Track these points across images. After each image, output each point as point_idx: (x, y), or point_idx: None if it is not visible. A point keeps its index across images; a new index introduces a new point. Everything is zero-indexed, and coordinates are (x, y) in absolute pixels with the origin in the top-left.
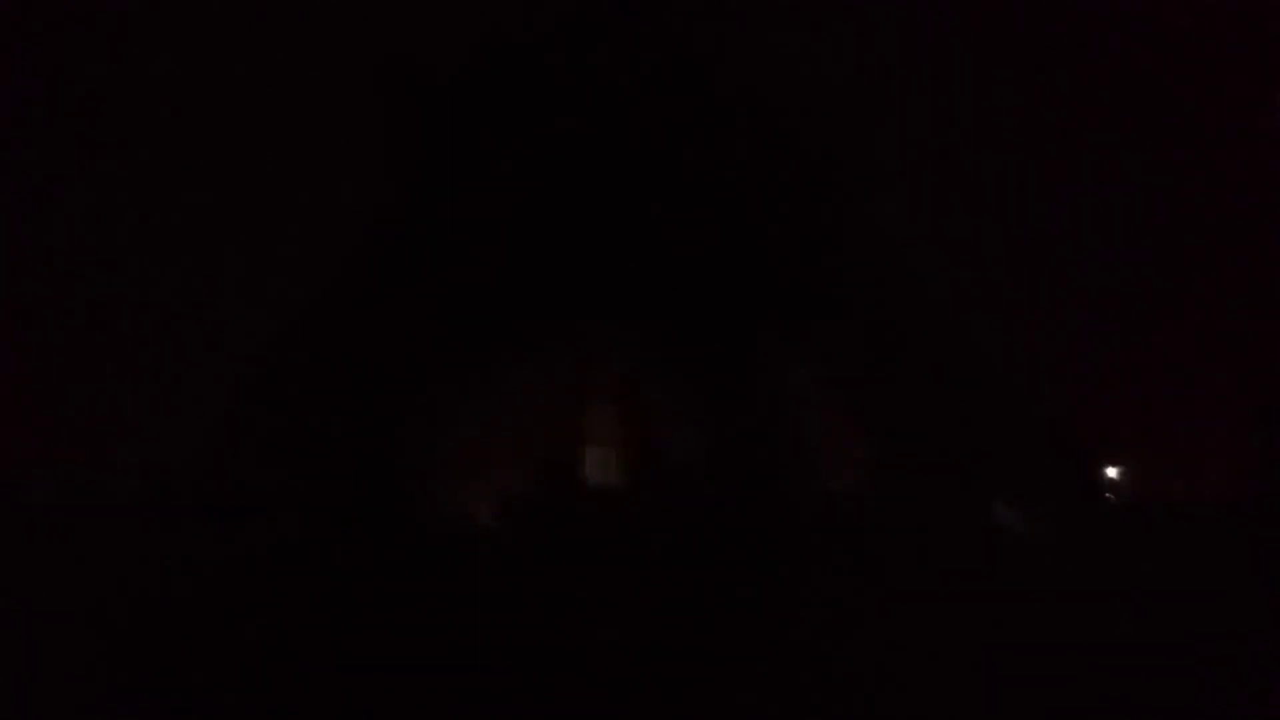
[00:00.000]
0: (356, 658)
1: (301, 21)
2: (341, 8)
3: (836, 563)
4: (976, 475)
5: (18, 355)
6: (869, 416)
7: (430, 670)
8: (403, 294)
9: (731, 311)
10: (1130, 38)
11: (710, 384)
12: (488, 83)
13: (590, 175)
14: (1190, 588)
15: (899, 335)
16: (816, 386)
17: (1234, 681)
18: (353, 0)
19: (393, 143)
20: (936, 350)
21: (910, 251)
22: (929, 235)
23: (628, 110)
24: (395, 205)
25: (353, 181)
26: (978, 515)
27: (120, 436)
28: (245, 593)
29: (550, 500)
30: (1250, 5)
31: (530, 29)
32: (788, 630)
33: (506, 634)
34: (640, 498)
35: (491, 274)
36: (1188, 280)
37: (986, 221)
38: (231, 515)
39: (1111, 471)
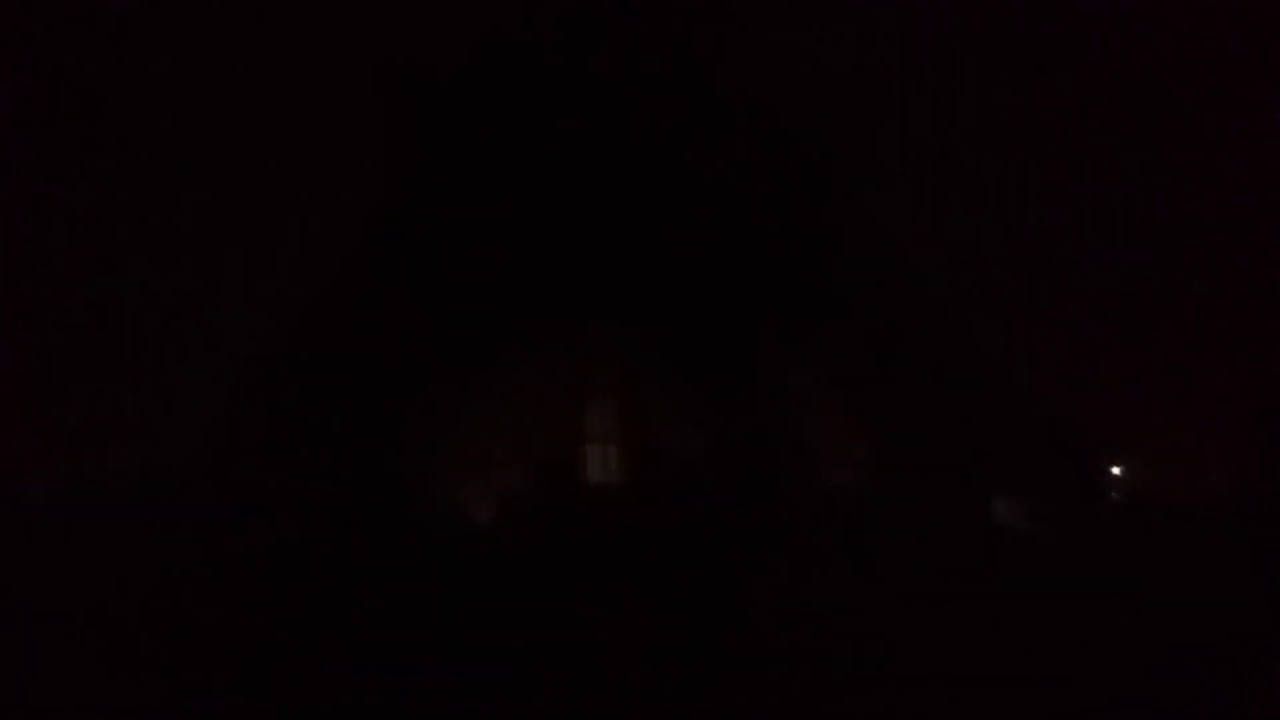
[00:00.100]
0: (357, 657)
1: (301, 22)
2: (341, 8)
3: (836, 560)
4: (976, 473)
5: (18, 355)
6: (869, 415)
7: (431, 669)
8: (403, 293)
9: (731, 310)
10: (1130, 38)
11: (710, 382)
12: (487, 83)
13: (590, 175)
14: (1189, 587)
15: (899, 334)
16: (816, 385)
17: (1234, 680)
18: (353, 0)
19: (393, 143)
20: (936, 349)
21: (910, 250)
22: (929, 234)
23: (628, 110)
24: (395, 205)
25: (353, 182)
26: (977, 513)
27: (120, 436)
28: (245, 593)
29: (550, 498)
30: (1250, 5)
31: (530, 29)
32: (788, 628)
33: (507, 633)
34: (640, 496)
35: (492, 273)
36: (1188, 280)
37: (986, 221)
38: (231, 515)
39: (1111, 470)
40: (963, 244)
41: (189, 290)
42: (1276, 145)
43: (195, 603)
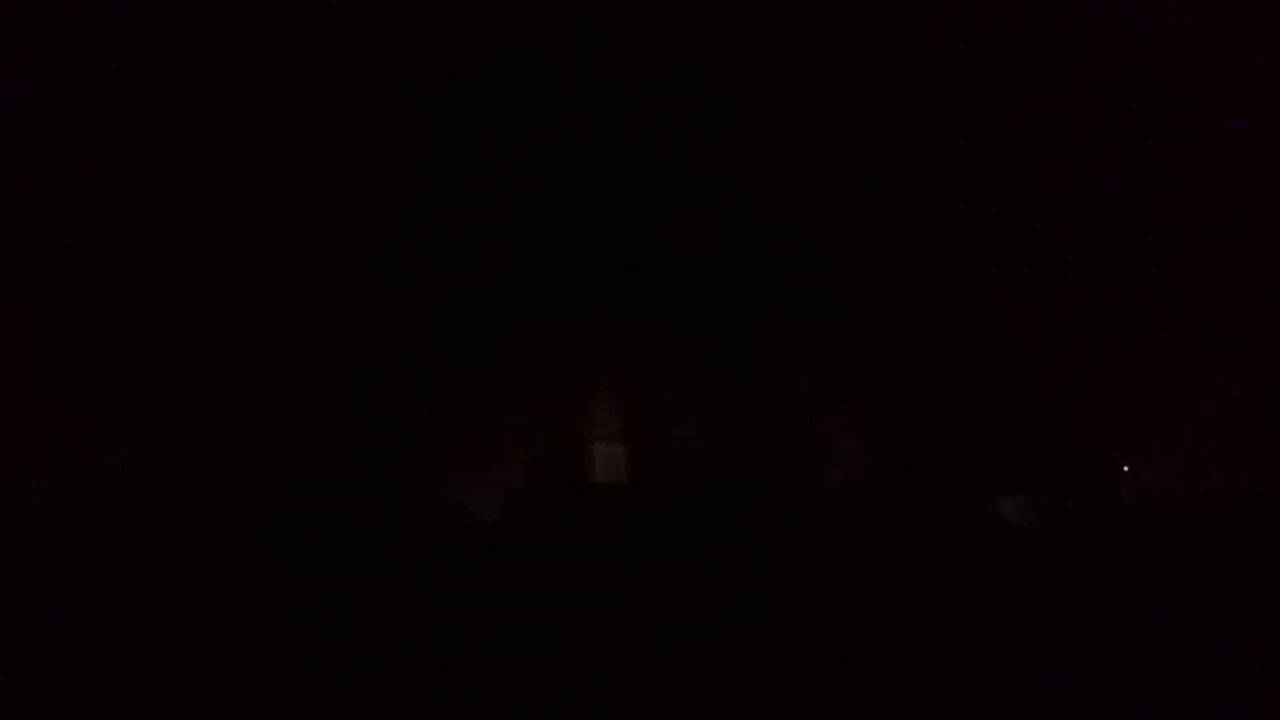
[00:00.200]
0: (361, 657)
1: (302, 22)
2: (341, 8)
3: (838, 557)
4: (977, 471)
5: (18, 355)
6: (870, 413)
7: (435, 669)
8: (404, 293)
9: (732, 309)
10: (1130, 38)
11: (711, 381)
12: (487, 83)
13: (591, 174)
14: (1189, 585)
15: (900, 332)
16: (818, 383)
17: (1234, 679)
18: (353, 0)
19: (393, 143)
20: (937, 347)
21: (911, 249)
22: (930, 233)
23: (628, 110)
24: (396, 205)
25: (353, 182)
26: (978, 511)
27: (121, 437)
28: (247, 592)
29: (552, 497)
30: (1250, 5)
31: (530, 29)
32: (791, 625)
33: (511, 630)
34: (641, 495)
35: (493, 273)
36: (1188, 279)
37: (986, 220)
38: (233, 515)
39: (1112, 469)
40: (963, 243)
41: (190, 290)
42: (1276, 145)
43: (196, 602)
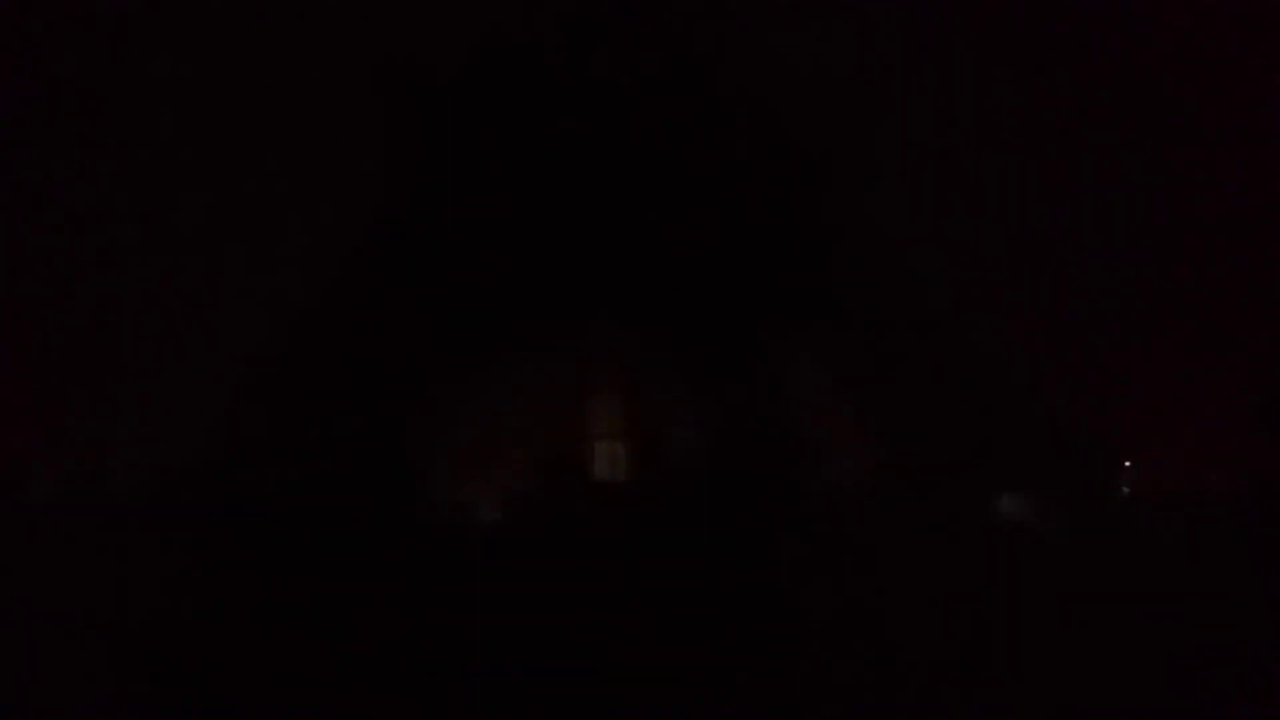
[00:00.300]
0: (362, 656)
1: (301, 22)
2: (341, 8)
3: (839, 556)
4: (978, 470)
5: (19, 355)
6: (871, 412)
7: (437, 668)
8: (404, 293)
9: (733, 308)
10: (1130, 38)
11: (712, 380)
12: (487, 83)
13: (591, 174)
14: (1190, 584)
15: (900, 331)
16: (819, 382)
17: (1234, 678)
18: (353, 0)
19: (393, 143)
20: (937, 346)
21: (910, 248)
22: (930, 232)
23: (628, 110)
24: (396, 205)
25: (354, 182)
26: (979, 510)
27: (121, 436)
28: (248, 592)
29: (553, 496)
30: (1250, 5)
31: (530, 29)
32: (792, 624)
33: (513, 629)
34: (642, 493)
35: (494, 272)
36: (1188, 280)
37: (986, 219)
38: (234, 515)
39: (1113, 467)
40: (963, 242)
41: (190, 290)
42: (1277, 145)
43: (197, 602)
